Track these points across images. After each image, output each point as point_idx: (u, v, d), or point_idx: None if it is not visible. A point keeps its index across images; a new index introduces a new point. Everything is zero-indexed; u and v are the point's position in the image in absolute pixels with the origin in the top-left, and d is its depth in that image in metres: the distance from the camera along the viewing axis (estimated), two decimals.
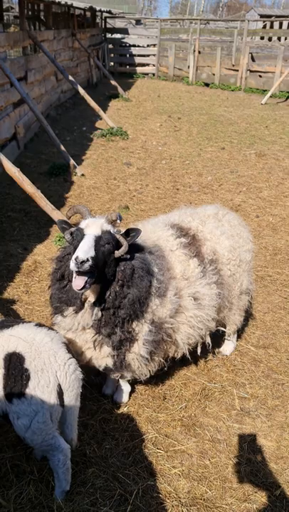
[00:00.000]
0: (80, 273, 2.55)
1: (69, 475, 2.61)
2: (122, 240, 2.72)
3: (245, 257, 3.53)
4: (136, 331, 2.90)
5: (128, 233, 2.79)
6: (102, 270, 2.68)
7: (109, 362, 2.97)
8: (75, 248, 2.62)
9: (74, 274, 2.59)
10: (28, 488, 2.66)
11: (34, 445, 2.51)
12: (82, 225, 2.73)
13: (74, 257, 2.52)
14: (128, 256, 2.81)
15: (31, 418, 2.41)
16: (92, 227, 2.68)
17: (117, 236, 2.73)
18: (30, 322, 2.71)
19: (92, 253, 2.55)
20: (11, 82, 8.19)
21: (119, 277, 2.75)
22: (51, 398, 2.44)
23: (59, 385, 2.48)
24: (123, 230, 2.84)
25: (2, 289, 4.76)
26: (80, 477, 2.78)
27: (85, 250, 2.53)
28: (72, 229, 2.77)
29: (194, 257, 3.19)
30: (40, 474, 2.76)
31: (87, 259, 2.50)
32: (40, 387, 2.42)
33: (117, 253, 2.71)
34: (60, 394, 2.49)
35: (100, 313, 2.79)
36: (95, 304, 2.78)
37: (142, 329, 2.92)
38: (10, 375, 2.42)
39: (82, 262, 2.49)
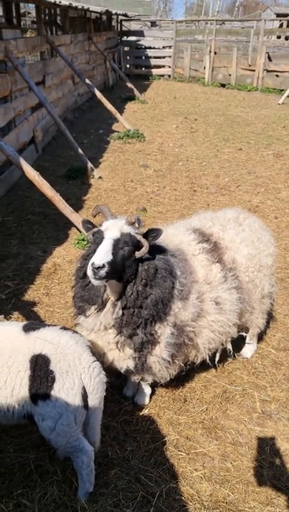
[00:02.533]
0: (96, 279, 2.57)
1: (92, 476, 2.64)
2: (142, 240, 2.73)
3: (266, 261, 3.51)
4: (158, 333, 2.91)
5: (149, 234, 2.80)
6: (123, 270, 2.69)
7: (131, 364, 2.98)
8: (94, 251, 2.65)
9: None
10: (52, 489, 2.69)
11: (58, 447, 2.54)
12: (103, 227, 2.76)
13: (90, 262, 2.55)
14: (150, 256, 2.82)
15: (56, 420, 2.44)
16: (112, 230, 2.70)
17: (138, 237, 2.74)
18: (55, 325, 2.74)
19: (109, 258, 2.57)
20: (29, 87, 8.31)
21: (142, 276, 2.76)
22: (76, 401, 2.46)
23: (84, 388, 2.50)
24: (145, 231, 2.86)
25: (23, 291, 4.83)
26: (103, 478, 2.81)
27: (101, 256, 2.55)
28: (95, 229, 2.80)
29: (217, 263, 3.20)
30: (63, 475, 2.79)
31: (103, 265, 2.52)
32: (65, 390, 2.44)
33: (138, 254, 2.72)
34: (85, 396, 2.51)
35: (120, 312, 2.80)
36: (116, 303, 2.80)
37: (165, 332, 2.93)
38: (36, 377, 2.45)
39: (98, 267, 2.52)
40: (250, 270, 3.37)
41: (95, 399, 2.57)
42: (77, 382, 2.48)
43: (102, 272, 2.53)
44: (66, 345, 2.54)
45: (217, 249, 3.27)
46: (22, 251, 5.65)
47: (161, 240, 3.19)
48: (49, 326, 2.71)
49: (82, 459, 2.56)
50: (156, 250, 2.90)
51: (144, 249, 2.72)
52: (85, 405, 2.52)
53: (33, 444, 2.99)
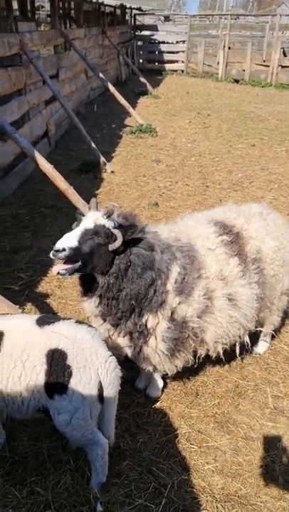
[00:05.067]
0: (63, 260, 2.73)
1: (106, 468, 2.65)
2: (118, 234, 2.75)
3: (288, 257, 3.48)
4: (149, 325, 2.95)
5: (127, 229, 2.82)
6: (92, 260, 2.76)
7: (128, 352, 3.07)
8: None
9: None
10: (65, 478, 2.72)
11: (73, 440, 2.55)
12: (83, 218, 2.85)
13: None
14: (127, 251, 2.84)
15: (72, 414, 2.44)
16: (87, 220, 2.79)
17: (113, 231, 2.77)
18: (70, 319, 2.74)
19: (73, 244, 2.68)
20: (43, 80, 8.32)
21: (113, 270, 2.82)
22: (92, 395, 2.46)
23: (100, 383, 2.50)
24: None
25: (36, 282, 4.86)
26: (115, 469, 2.83)
27: (63, 240, 2.69)
28: (78, 220, 2.89)
29: (235, 256, 3.17)
30: (76, 464, 2.82)
31: (63, 249, 2.65)
32: (82, 384, 2.44)
33: (111, 246, 2.76)
34: (101, 391, 2.50)
35: (97, 301, 2.89)
36: (96, 292, 2.88)
37: (159, 325, 2.97)
38: (52, 371, 2.44)
39: (58, 250, 2.65)
40: (275, 263, 3.35)
41: (111, 393, 2.56)
42: (94, 376, 2.47)
43: (61, 255, 2.68)
44: (83, 340, 2.53)
45: (239, 240, 3.24)
46: (35, 243, 5.68)
47: (174, 233, 3.20)
48: (63, 319, 2.71)
49: (96, 452, 2.57)
50: (139, 245, 2.90)
51: (117, 243, 2.74)
52: (101, 400, 2.52)
53: (46, 433, 3.02)
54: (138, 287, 2.84)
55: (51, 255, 2.68)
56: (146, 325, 2.96)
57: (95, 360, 2.50)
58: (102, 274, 2.83)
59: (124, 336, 2.99)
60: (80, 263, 2.73)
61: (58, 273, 2.75)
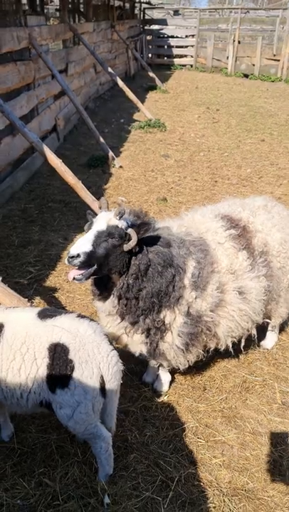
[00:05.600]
0: (76, 278, 2.68)
1: (111, 460, 2.67)
2: (132, 234, 2.73)
3: None
4: (166, 321, 2.94)
5: (140, 227, 2.78)
6: (108, 262, 2.72)
7: (144, 349, 3.04)
8: None
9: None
10: (73, 469, 2.74)
11: (76, 433, 2.57)
12: (94, 219, 2.80)
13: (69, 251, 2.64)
14: (144, 250, 2.81)
15: (74, 408, 2.44)
16: (99, 222, 2.73)
17: (127, 230, 2.74)
18: (72, 313, 2.73)
19: (87, 248, 2.62)
20: (52, 75, 8.32)
21: (132, 271, 2.78)
22: (94, 389, 2.46)
23: (102, 377, 2.49)
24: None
25: (44, 276, 4.88)
26: (122, 462, 2.84)
27: (77, 246, 2.63)
28: (89, 222, 2.84)
29: (243, 250, 3.17)
30: (84, 456, 2.83)
31: (78, 255, 2.60)
32: (84, 379, 2.44)
33: (126, 246, 2.72)
34: (103, 385, 2.50)
35: (116, 301, 2.86)
36: (114, 293, 2.85)
37: (176, 320, 2.96)
38: (54, 365, 2.44)
39: (72, 257, 2.60)
40: (281, 256, 3.34)
41: (113, 387, 2.56)
42: (96, 371, 2.47)
43: (76, 262, 2.62)
44: (85, 334, 2.53)
45: (246, 233, 3.23)
46: (43, 238, 5.70)
47: (185, 227, 3.19)
48: (65, 313, 2.70)
49: (100, 445, 2.58)
50: (157, 242, 2.89)
51: (132, 243, 2.72)
52: (103, 394, 2.52)
53: (54, 425, 3.03)
54: (159, 285, 2.82)
55: (66, 262, 2.64)
56: (163, 321, 2.94)
57: (97, 355, 2.49)
58: (118, 275, 2.80)
59: (141, 333, 2.97)
60: (95, 266, 2.69)
61: (74, 278, 2.69)
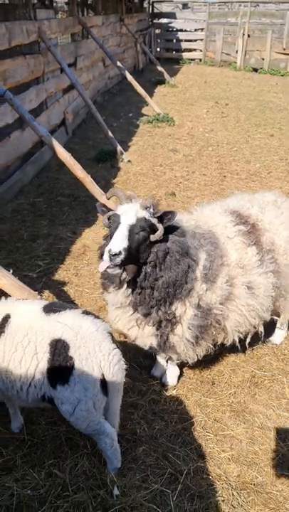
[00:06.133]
0: (112, 266, 2.63)
1: (118, 454, 2.67)
2: (157, 224, 2.73)
3: None
4: (177, 313, 2.93)
5: (163, 217, 2.78)
6: (138, 255, 2.71)
7: (154, 342, 3.03)
8: (111, 236, 2.68)
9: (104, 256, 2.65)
10: (83, 461, 2.76)
11: (80, 429, 2.57)
12: (119, 211, 2.76)
13: (107, 248, 2.58)
14: (163, 238, 2.80)
15: (74, 405, 2.45)
16: (128, 215, 2.71)
17: (153, 221, 2.74)
18: (77, 309, 2.72)
19: (126, 244, 2.60)
20: (61, 68, 8.30)
21: (151, 259, 2.77)
22: (94, 388, 2.45)
23: (103, 375, 2.48)
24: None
25: (53, 270, 4.90)
26: (131, 454, 2.86)
27: (116, 243, 2.59)
28: (110, 213, 2.81)
29: (253, 245, 3.16)
30: (93, 448, 2.85)
31: (120, 252, 2.56)
32: (84, 376, 2.43)
33: (153, 237, 2.73)
34: (104, 384, 2.50)
35: (129, 291, 2.85)
36: (128, 283, 2.84)
37: (187, 313, 2.95)
38: (54, 361, 2.45)
39: (115, 254, 2.56)
40: (288, 253, 3.32)
41: (114, 386, 2.55)
42: (97, 369, 2.47)
43: (118, 260, 2.58)
44: (87, 332, 2.52)
45: (255, 230, 3.23)
46: (52, 232, 5.72)
47: (194, 221, 3.18)
48: (70, 309, 2.68)
49: (104, 441, 2.59)
50: (173, 232, 2.88)
51: (159, 233, 2.72)
52: (105, 392, 2.52)
53: (64, 418, 3.05)
54: (176, 274, 2.81)
55: (107, 259, 2.58)
56: (174, 313, 2.93)
57: (98, 353, 2.48)
58: (139, 264, 2.78)
59: (153, 326, 2.96)
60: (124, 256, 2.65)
61: (107, 269, 2.65)
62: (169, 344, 3.04)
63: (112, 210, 2.86)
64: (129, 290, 2.86)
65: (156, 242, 2.77)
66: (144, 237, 2.70)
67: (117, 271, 2.71)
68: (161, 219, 2.77)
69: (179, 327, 2.98)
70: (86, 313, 2.68)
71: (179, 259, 2.82)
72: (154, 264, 2.78)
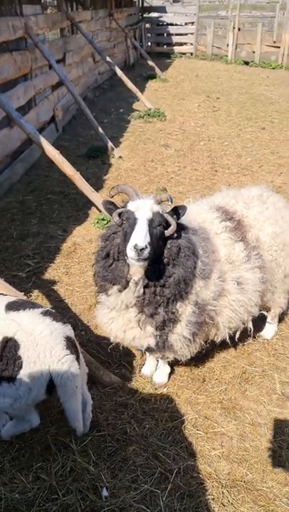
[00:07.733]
0: (139, 260, 2.51)
1: (15, 433, 2.82)
2: (170, 219, 2.68)
3: None
4: (179, 311, 2.88)
5: (176, 212, 2.73)
6: (155, 250, 2.62)
7: (152, 342, 2.95)
8: (127, 232, 2.59)
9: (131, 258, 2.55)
10: (70, 463, 2.73)
11: (5, 410, 2.65)
12: (131, 207, 2.66)
13: (132, 244, 2.46)
14: (175, 235, 2.76)
15: (15, 400, 2.53)
16: (143, 210, 2.61)
17: (166, 216, 2.68)
18: (39, 308, 2.71)
19: (149, 238, 2.51)
20: (49, 65, 8.21)
21: (165, 255, 2.72)
22: (39, 390, 2.52)
23: (51, 379, 2.52)
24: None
25: (43, 269, 4.85)
26: (122, 454, 2.83)
27: (141, 237, 2.48)
28: (120, 210, 2.71)
29: (240, 241, 3.14)
30: (81, 447, 2.82)
31: (146, 246, 2.46)
32: (30, 378, 2.48)
33: (167, 232, 2.67)
34: (51, 387, 2.55)
35: (142, 290, 2.77)
36: (138, 282, 2.75)
37: (186, 310, 2.90)
38: (3, 359, 2.49)
39: (142, 249, 2.45)
40: (273, 249, 3.30)
41: (66, 391, 2.57)
42: (45, 373, 2.51)
43: (146, 253, 2.48)
44: (40, 335, 2.53)
45: (241, 227, 3.20)
46: (42, 230, 5.67)
47: (184, 218, 3.13)
48: (31, 308, 2.67)
49: (22, 425, 2.74)
50: (180, 228, 2.84)
51: (173, 228, 2.68)
52: (50, 392, 2.58)
53: (52, 419, 3.02)
54: (186, 271, 2.76)
55: (134, 255, 2.47)
56: (178, 311, 2.87)
57: (48, 358, 2.51)
58: (149, 261, 2.68)
59: (155, 326, 2.87)
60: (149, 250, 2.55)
61: (137, 262, 2.56)
62: (167, 344, 2.97)
63: (119, 207, 2.77)
64: (141, 290, 2.77)
65: (169, 238, 2.73)
66: (161, 232, 2.65)
67: (142, 264, 2.60)
68: (174, 214, 2.72)
69: (178, 325, 2.92)
70: (47, 313, 2.67)
71: (188, 254, 2.78)
72: (168, 261, 2.73)
